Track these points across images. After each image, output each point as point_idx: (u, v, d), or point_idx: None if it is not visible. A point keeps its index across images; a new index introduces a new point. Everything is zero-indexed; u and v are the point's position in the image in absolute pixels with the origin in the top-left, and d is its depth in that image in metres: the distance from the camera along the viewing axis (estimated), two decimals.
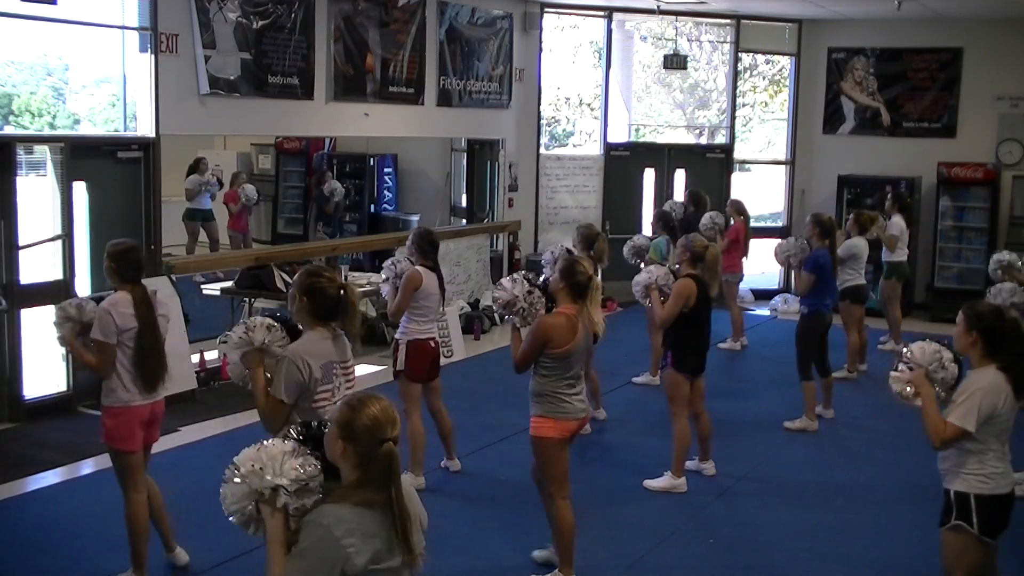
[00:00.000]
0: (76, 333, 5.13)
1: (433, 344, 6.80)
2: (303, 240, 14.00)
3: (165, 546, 5.44)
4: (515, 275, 5.59)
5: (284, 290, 10.28)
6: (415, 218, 14.41)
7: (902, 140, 13.77)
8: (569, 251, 7.58)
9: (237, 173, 14.13)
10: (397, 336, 6.80)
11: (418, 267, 6.72)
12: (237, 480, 2.98)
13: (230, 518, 3.03)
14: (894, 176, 13.25)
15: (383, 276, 6.95)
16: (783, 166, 14.91)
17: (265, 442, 3.04)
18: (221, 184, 13.72)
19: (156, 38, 8.49)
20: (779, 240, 9.18)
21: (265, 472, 2.95)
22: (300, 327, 4.40)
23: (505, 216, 13.10)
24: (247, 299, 10.59)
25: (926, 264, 13.33)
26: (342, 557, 2.78)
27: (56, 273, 8.14)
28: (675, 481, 6.81)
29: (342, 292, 4.31)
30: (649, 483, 6.85)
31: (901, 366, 4.45)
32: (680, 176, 14.22)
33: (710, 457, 7.18)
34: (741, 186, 15.36)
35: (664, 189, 14.08)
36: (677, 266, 7.10)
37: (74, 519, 6.14)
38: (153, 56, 8.51)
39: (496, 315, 5.36)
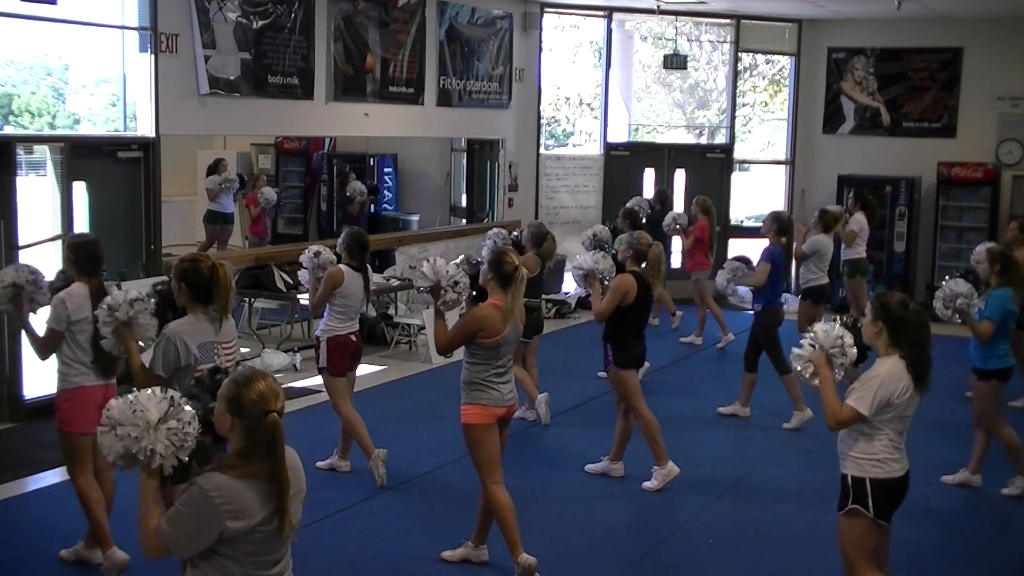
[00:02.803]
0: (12, 299, 5.31)
1: (355, 338, 6.83)
2: (303, 240, 13.98)
3: (89, 541, 5.47)
4: (432, 259, 5.58)
5: (284, 290, 10.31)
6: (415, 218, 14.43)
7: (902, 140, 13.78)
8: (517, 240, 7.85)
9: (257, 175, 14.09)
10: (317, 333, 6.87)
11: (342, 266, 6.75)
12: (116, 435, 3.08)
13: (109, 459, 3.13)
14: (894, 176, 13.26)
15: (305, 263, 7.00)
16: (783, 166, 14.92)
17: (138, 395, 3.12)
18: (243, 182, 13.56)
19: (156, 38, 8.50)
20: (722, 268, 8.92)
21: (141, 440, 3.05)
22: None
23: (505, 216, 13.10)
24: (247, 299, 10.59)
25: (926, 264, 13.34)
26: (218, 521, 2.97)
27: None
28: (664, 470, 6.80)
29: (214, 272, 4.58)
30: (647, 485, 6.83)
31: (805, 343, 4.52)
32: (680, 176, 14.21)
33: (621, 458, 7.08)
34: (741, 186, 15.37)
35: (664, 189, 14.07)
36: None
37: (74, 519, 6.12)
38: (153, 56, 8.52)
39: (417, 292, 5.49)
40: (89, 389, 5.24)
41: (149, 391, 3.15)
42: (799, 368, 4.54)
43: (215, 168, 13.25)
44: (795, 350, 4.58)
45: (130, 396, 3.13)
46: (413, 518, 6.28)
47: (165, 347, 4.56)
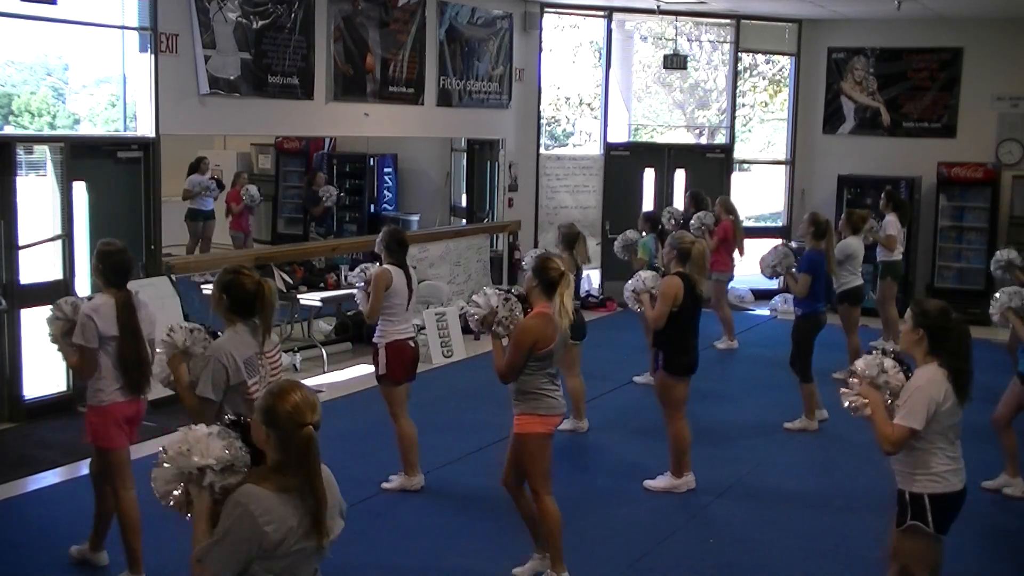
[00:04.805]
0: (63, 331, 5.19)
1: (412, 344, 6.77)
2: (303, 240, 13.99)
3: (92, 546, 5.48)
4: (484, 289, 5.56)
5: (284, 290, 10.30)
6: (415, 218, 14.42)
7: (902, 140, 13.77)
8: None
9: (239, 173, 14.12)
10: (375, 340, 6.74)
11: (386, 266, 6.70)
12: (166, 464, 3.15)
13: (161, 501, 3.20)
14: (894, 176, 13.25)
15: (356, 283, 6.94)
16: (783, 166, 14.92)
17: (192, 426, 3.21)
18: (221, 186, 13.60)
19: (156, 38, 8.50)
20: (770, 248, 8.91)
21: (192, 454, 3.12)
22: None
23: (505, 216, 13.10)
24: None
25: (926, 264, 13.33)
26: (259, 534, 2.92)
27: (56, 273, 8.14)
28: (675, 481, 6.81)
29: (260, 287, 4.44)
30: (649, 483, 6.84)
31: (851, 380, 4.45)
32: (680, 176, 14.21)
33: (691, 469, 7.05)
34: (741, 186, 15.37)
35: (664, 189, 14.07)
36: (664, 268, 7.09)
37: (74, 519, 6.13)
38: (153, 56, 8.51)
39: (475, 331, 5.31)
40: (120, 406, 5.15)
41: (201, 425, 3.22)
42: (847, 405, 4.41)
43: (196, 167, 13.24)
44: (843, 389, 4.44)
45: (182, 430, 3.20)
46: (414, 518, 6.28)
47: (215, 368, 4.35)
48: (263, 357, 4.49)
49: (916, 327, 4.36)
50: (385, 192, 15.06)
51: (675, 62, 13.49)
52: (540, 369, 5.20)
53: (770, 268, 8.58)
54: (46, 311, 5.37)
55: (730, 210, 11.21)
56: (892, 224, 10.67)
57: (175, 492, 3.12)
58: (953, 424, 4.33)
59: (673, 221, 10.73)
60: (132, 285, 5.28)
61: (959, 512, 4.41)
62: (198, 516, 3.12)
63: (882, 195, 11.32)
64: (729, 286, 14.00)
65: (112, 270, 5.16)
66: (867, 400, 4.35)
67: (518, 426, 5.26)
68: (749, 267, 11.68)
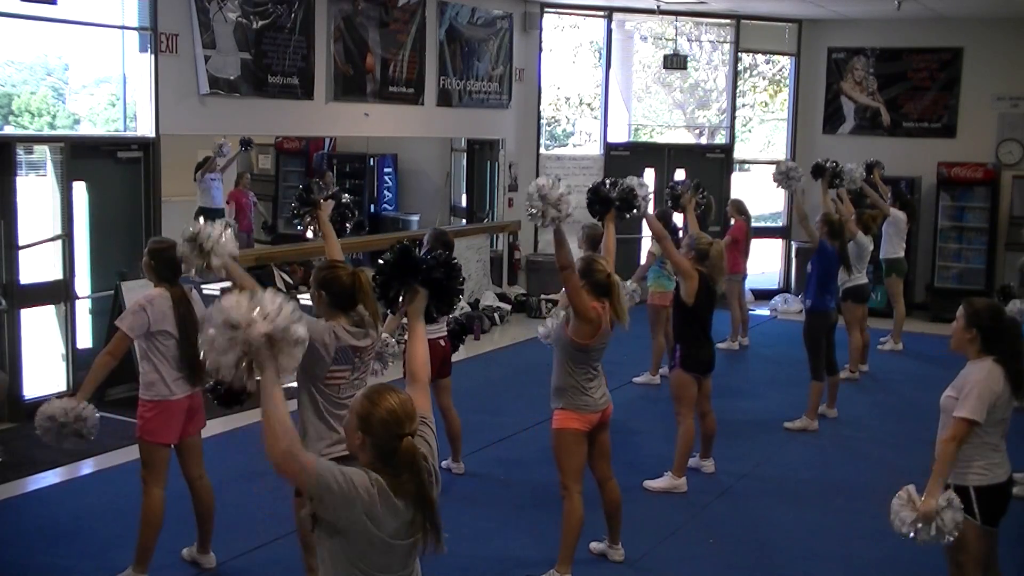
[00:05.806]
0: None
1: (443, 343, 6.80)
2: (303, 240, 13.96)
3: (200, 546, 5.49)
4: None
5: (284, 290, 10.30)
6: (415, 218, 14.43)
7: (902, 140, 13.77)
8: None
9: (241, 173, 14.12)
10: (405, 339, 6.80)
11: None
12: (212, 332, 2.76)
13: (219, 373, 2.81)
14: (894, 176, 13.23)
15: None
16: None
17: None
18: (249, 144, 13.52)
19: (156, 38, 8.50)
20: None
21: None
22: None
23: (505, 216, 13.10)
24: None
25: (926, 264, 13.33)
26: (359, 507, 2.82)
27: (56, 273, 8.14)
28: (676, 481, 6.82)
29: (355, 279, 4.42)
30: (649, 483, 6.84)
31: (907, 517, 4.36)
32: (680, 176, 14.19)
33: (711, 455, 7.20)
34: (741, 186, 15.37)
35: (664, 189, 14.04)
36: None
37: (74, 519, 6.14)
38: (153, 56, 8.51)
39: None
40: (176, 402, 5.14)
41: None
42: (914, 531, 4.28)
43: (203, 164, 13.24)
44: (904, 527, 4.32)
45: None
46: None
47: (319, 325, 4.33)
48: (363, 353, 4.46)
49: (969, 326, 4.44)
50: (385, 192, 15.06)
51: (675, 62, 13.49)
52: (581, 365, 5.26)
53: (781, 174, 8.56)
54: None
55: (742, 211, 11.22)
56: (895, 220, 10.78)
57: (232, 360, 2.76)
58: (1005, 417, 4.41)
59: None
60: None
61: (1008, 504, 4.47)
62: (265, 388, 2.82)
63: (890, 194, 11.38)
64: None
65: (164, 265, 5.17)
66: (925, 511, 4.24)
67: (555, 421, 5.34)
68: (749, 268, 11.69)
